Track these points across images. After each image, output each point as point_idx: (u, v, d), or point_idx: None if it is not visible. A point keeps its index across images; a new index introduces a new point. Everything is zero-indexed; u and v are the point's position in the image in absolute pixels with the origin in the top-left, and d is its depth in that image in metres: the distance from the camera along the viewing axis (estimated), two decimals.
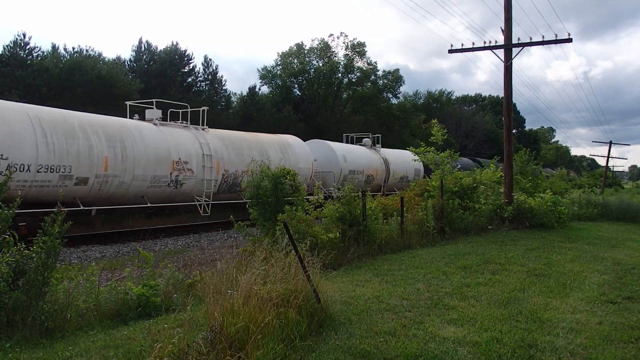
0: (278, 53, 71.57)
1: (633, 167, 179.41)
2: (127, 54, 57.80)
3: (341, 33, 60.58)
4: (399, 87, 54.85)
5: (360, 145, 28.41)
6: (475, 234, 13.31)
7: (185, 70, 36.90)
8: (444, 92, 68.61)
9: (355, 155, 25.84)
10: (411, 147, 19.44)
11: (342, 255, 9.39)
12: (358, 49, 51.09)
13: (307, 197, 10.74)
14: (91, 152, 13.55)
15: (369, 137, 29.18)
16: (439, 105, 64.65)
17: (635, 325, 5.78)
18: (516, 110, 77.44)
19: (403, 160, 29.85)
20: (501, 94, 18.22)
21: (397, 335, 5.27)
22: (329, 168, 23.49)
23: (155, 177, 15.25)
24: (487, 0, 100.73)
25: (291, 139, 22.40)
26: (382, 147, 30.45)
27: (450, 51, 16.59)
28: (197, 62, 50.43)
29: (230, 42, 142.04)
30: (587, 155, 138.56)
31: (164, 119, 17.60)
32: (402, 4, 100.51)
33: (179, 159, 16.09)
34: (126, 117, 17.02)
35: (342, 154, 24.30)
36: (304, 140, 27.21)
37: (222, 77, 39.50)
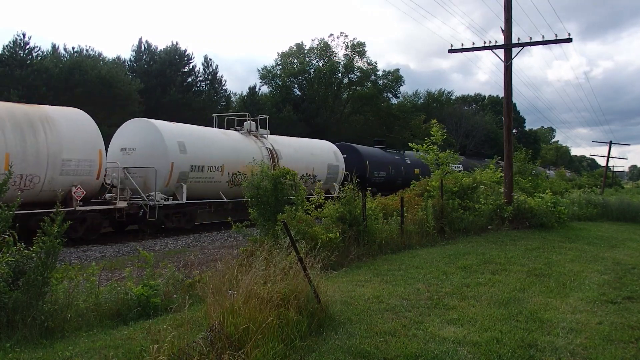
0: (278, 53, 71.64)
1: (633, 167, 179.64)
2: (127, 54, 57.86)
3: (341, 33, 60.67)
4: (399, 87, 54.94)
5: (234, 129, 20.56)
6: (475, 234, 13.31)
7: (185, 70, 36.91)
8: (443, 92, 68.69)
9: (209, 144, 17.77)
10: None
11: (342, 255, 9.39)
12: (358, 49, 51.14)
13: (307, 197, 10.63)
14: None
15: (246, 118, 20.78)
16: (438, 105, 64.65)
17: (635, 325, 5.78)
18: (516, 110, 77.40)
19: (308, 153, 22.22)
20: (502, 94, 18.19)
21: (397, 335, 5.27)
22: (150, 162, 15.56)
23: None
24: (487, 1, 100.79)
25: (57, 112, 14.01)
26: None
27: (450, 51, 16.60)
28: (197, 62, 50.53)
29: (230, 42, 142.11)
30: (587, 155, 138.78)
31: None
32: (402, 4, 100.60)
33: None
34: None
35: (177, 141, 16.33)
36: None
37: (222, 77, 39.58)
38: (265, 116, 21.81)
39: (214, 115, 21.53)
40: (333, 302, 5.90)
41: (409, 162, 30.59)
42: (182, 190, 16.33)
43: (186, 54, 36.94)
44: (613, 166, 68.67)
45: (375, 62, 54.15)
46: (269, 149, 20.19)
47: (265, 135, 20.87)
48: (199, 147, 17.14)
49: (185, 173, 16.42)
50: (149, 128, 16.37)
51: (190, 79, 37.14)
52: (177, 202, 16.26)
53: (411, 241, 11.51)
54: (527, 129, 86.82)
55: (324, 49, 50.74)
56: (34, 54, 28.77)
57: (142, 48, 36.52)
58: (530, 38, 15.60)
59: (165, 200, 15.79)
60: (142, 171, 15.80)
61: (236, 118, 21.14)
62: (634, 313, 6.27)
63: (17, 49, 27.97)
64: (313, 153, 22.58)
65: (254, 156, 17.80)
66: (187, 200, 16.47)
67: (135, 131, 16.53)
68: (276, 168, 19.24)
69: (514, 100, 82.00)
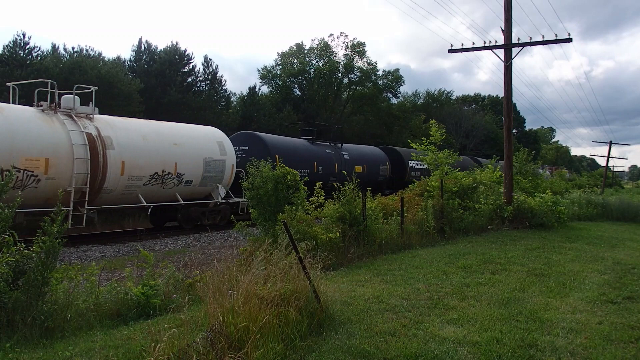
0: (278, 53, 71.64)
1: (633, 167, 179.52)
2: (127, 54, 57.87)
3: (341, 33, 60.57)
4: (399, 87, 54.91)
5: (37, 105, 13.53)
6: (475, 234, 13.31)
7: (185, 70, 36.86)
8: (443, 92, 68.69)
9: None
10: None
11: (342, 255, 9.40)
12: (358, 48, 51.11)
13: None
14: None
15: (48, 89, 13.74)
16: (438, 105, 64.65)
17: (635, 325, 5.78)
18: (516, 110, 77.44)
19: (168, 142, 16.00)
20: (502, 94, 18.18)
21: (397, 335, 5.27)
22: None
23: None
24: (488, 1, 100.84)
25: None
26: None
27: (450, 51, 16.61)
28: (197, 62, 50.60)
29: (230, 42, 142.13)
30: (588, 155, 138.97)
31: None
32: (403, 4, 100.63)
33: None
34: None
35: None
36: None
37: (222, 77, 39.49)
38: (91, 88, 14.67)
39: (9, 84, 14.59)
40: (333, 302, 5.90)
41: (347, 157, 24.72)
42: None
43: (186, 54, 36.89)
44: (613, 166, 68.79)
45: (376, 62, 54.09)
46: (91, 134, 13.77)
47: (91, 115, 14.35)
48: None
49: None
50: None
51: (190, 79, 37.08)
52: None
53: (411, 241, 11.51)
54: (527, 129, 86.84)
55: (324, 49, 50.70)
56: (34, 54, 28.74)
57: (142, 48, 36.49)
58: (531, 38, 15.62)
59: None
60: None
61: (58, 92, 13.84)
62: (634, 313, 6.27)
63: (17, 49, 27.94)
64: (178, 143, 16.26)
65: (54, 145, 12.75)
66: None
67: None
68: (101, 162, 13.73)
69: (514, 100, 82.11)
